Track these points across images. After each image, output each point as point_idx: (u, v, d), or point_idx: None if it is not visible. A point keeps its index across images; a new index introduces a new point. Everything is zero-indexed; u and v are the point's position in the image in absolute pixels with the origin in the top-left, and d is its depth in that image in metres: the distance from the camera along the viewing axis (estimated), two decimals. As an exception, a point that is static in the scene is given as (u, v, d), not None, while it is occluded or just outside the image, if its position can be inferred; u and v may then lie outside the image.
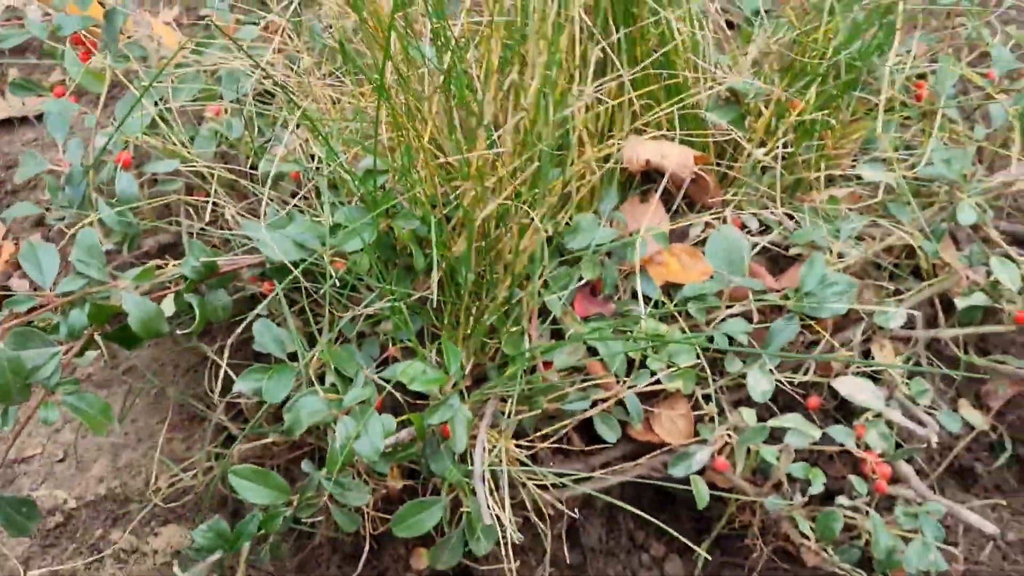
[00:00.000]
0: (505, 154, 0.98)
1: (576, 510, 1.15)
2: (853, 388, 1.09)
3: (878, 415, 1.08)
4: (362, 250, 0.96)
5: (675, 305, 1.06)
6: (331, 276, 0.97)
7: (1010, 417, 1.32)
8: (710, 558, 1.17)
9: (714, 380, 1.08)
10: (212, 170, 1.06)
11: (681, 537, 1.06)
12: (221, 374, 1.04)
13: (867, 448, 1.06)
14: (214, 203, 1.05)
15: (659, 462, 1.07)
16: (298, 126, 1.06)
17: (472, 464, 0.94)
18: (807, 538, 1.02)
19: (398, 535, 0.97)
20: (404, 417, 0.96)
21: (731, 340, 1.06)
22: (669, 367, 1.04)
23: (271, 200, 1.05)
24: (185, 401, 1.26)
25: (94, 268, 0.97)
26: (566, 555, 1.12)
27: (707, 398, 1.08)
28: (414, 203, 0.99)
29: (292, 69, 1.14)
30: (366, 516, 1.03)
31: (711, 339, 1.06)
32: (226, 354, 1.01)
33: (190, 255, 0.99)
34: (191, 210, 1.09)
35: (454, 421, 0.92)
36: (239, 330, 1.01)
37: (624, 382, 1.01)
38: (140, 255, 1.13)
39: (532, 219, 0.97)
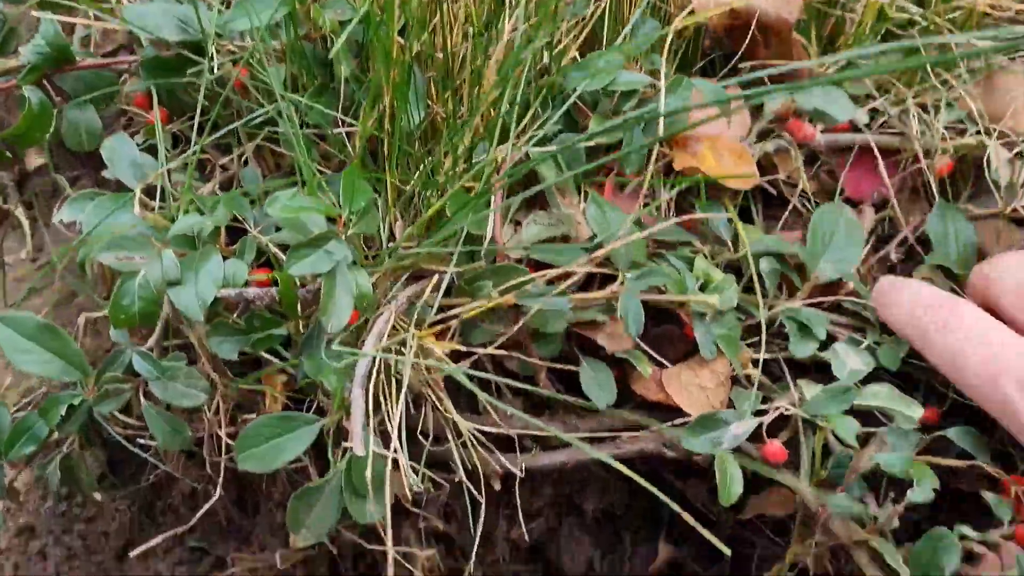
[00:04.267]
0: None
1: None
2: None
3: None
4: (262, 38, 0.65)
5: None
6: (212, 61, 0.65)
7: None
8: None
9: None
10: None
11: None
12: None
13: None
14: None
15: (676, 437, 0.69)
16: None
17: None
18: (897, 578, 0.60)
19: (243, 467, 0.62)
20: (272, 274, 0.62)
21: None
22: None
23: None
24: None
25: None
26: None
27: (755, 363, 0.70)
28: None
29: None
30: (220, 453, 0.69)
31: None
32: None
33: (39, 33, 0.71)
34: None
35: (331, 279, 0.58)
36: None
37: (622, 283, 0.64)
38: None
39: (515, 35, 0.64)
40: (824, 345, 0.69)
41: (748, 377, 0.68)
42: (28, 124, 0.71)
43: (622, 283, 0.64)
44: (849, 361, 0.68)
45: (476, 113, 0.66)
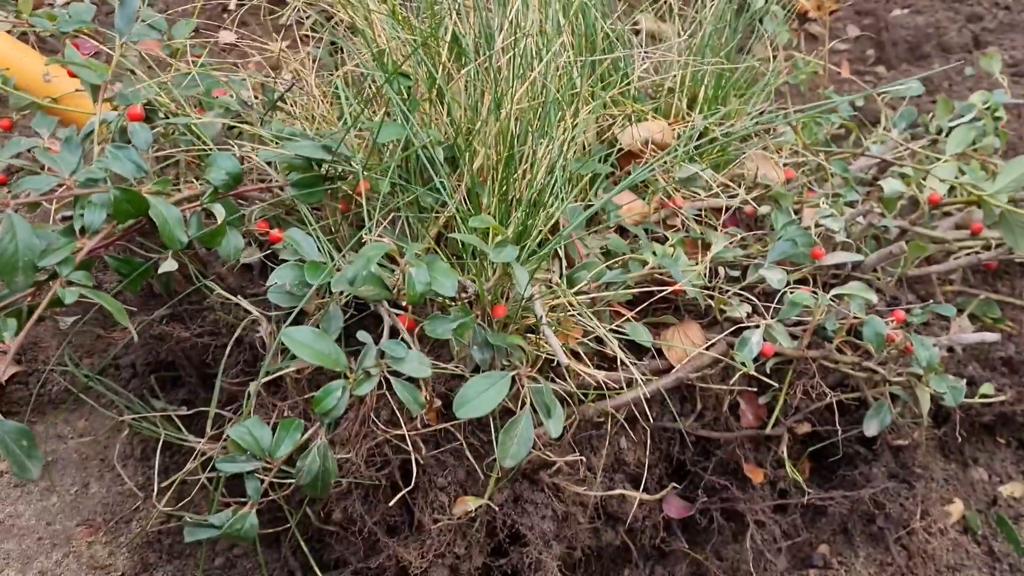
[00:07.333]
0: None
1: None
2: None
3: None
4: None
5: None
6: (361, 167, 0.98)
7: None
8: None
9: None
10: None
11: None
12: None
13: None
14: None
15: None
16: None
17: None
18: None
19: (460, 417, 0.88)
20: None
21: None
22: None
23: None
24: (110, 499, 1.18)
25: (129, 165, 0.93)
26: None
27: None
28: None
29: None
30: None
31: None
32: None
33: (216, 164, 0.97)
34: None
35: (514, 266, 0.91)
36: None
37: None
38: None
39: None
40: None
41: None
42: (218, 231, 0.95)
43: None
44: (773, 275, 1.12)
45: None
